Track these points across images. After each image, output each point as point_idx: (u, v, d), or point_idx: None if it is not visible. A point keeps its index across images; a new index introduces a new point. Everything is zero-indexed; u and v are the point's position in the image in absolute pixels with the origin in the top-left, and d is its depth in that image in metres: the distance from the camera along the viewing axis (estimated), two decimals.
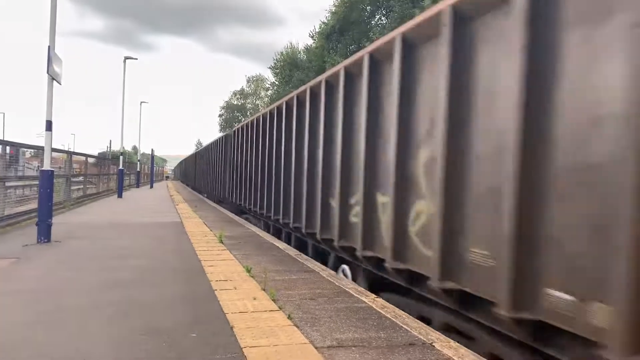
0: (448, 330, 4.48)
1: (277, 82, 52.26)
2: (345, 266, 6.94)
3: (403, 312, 4.74)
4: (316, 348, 3.64)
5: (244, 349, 3.59)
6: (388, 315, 4.55)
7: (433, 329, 4.26)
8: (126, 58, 28.48)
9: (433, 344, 3.79)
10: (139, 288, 5.46)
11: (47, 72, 8.81)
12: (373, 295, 5.36)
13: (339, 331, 4.06)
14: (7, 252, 7.68)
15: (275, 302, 4.87)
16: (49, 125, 8.94)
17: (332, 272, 6.64)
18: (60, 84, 9.26)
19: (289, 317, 4.37)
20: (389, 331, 4.09)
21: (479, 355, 3.65)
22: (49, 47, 8.77)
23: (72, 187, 19.07)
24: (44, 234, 8.67)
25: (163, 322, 4.21)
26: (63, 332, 3.94)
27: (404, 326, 4.23)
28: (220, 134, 23.73)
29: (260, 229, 11.73)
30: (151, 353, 3.51)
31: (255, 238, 9.84)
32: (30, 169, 20.17)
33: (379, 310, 4.73)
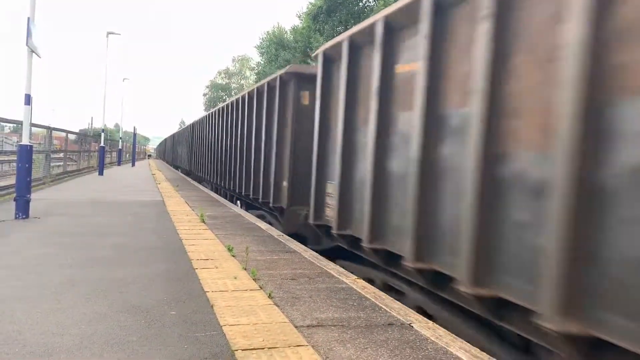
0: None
1: (262, 62, 51.82)
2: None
3: (383, 293, 4.79)
4: (296, 327, 3.66)
5: (223, 327, 3.59)
6: (368, 296, 4.58)
7: (413, 311, 4.31)
8: (109, 33, 27.94)
9: (412, 325, 3.83)
10: (119, 266, 5.42)
11: (27, 45, 8.60)
12: (354, 277, 5.39)
13: (319, 311, 4.08)
14: None
15: (256, 282, 4.87)
16: (27, 99, 8.76)
17: (314, 253, 6.66)
18: (39, 57, 9.05)
19: (270, 297, 4.38)
20: (368, 311, 4.13)
21: (455, 336, 3.70)
22: (28, 18, 8.55)
23: (52, 164, 18.80)
24: (22, 209, 8.54)
25: (142, 300, 4.19)
26: (41, 308, 3.90)
27: (383, 307, 4.27)
28: (198, 116, 24.77)
29: (239, 208, 11.73)
30: (130, 330, 3.50)
31: (237, 218, 9.81)
32: (10, 144, 19.80)
33: (360, 291, 4.77)
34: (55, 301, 4.09)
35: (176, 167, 36.98)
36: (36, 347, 3.14)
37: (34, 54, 8.78)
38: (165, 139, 62.60)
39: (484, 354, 3.38)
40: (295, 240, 7.56)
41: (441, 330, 3.76)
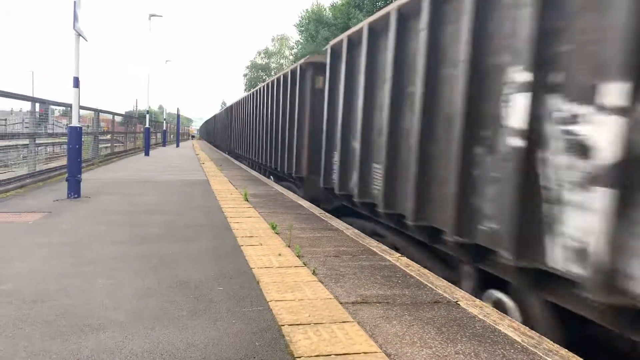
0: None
1: (302, 41, 51.58)
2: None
3: (427, 271, 4.74)
4: (341, 303, 3.67)
5: (269, 303, 3.64)
6: (412, 274, 4.55)
7: (458, 288, 4.26)
8: (151, 15, 28.32)
9: (458, 302, 3.78)
10: (167, 243, 5.56)
11: (73, 28, 8.81)
12: (397, 254, 5.36)
13: (363, 288, 4.08)
14: (39, 206, 7.89)
15: (300, 259, 4.91)
16: (76, 82, 9.00)
17: (357, 230, 6.66)
18: (86, 40, 9.26)
19: (314, 273, 4.40)
20: (413, 289, 4.10)
21: (503, 314, 3.64)
22: (74, 2, 8.74)
23: (100, 145, 19.38)
24: (74, 189, 8.86)
25: (190, 276, 4.29)
26: (94, 283, 4.05)
27: (428, 284, 4.23)
28: (237, 98, 25.51)
29: (279, 186, 11.85)
30: (179, 305, 3.59)
31: (279, 196, 9.90)
32: (60, 127, 20.51)
33: (403, 268, 4.74)
34: (108, 277, 4.24)
35: (217, 147, 37.72)
36: (92, 320, 3.27)
37: (80, 37, 8.99)
38: (207, 120, 64.10)
39: (533, 332, 3.31)
40: (337, 218, 7.58)
41: (489, 309, 3.70)
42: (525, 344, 3.05)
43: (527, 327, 3.40)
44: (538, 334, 3.28)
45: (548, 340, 3.19)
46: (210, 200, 8.98)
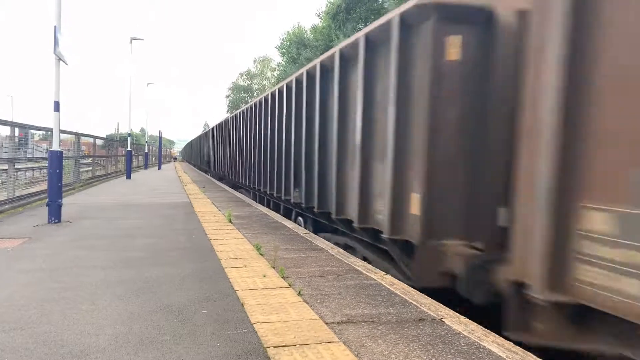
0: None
1: (283, 62, 51.98)
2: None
3: (412, 289, 4.76)
4: (326, 323, 3.66)
5: (254, 325, 3.62)
6: (397, 292, 4.56)
7: (443, 306, 4.28)
8: (132, 39, 28.36)
9: (443, 320, 3.80)
10: (150, 266, 5.51)
11: (54, 53, 8.79)
12: (382, 273, 5.37)
13: (348, 307, 4.08)
14: (19, 232, 7.77)
15: (285, 280, 4.89)
16: (56, 106, 8.96)
17: (341, 250, 6.66)
18: (67, 65, 9.24)
19: (299, 294, 4.39)
20: (398, 307, 4.11)
21: (488, 330, 3.66)
22: (55, 27, 8.73)
23: (81, 169, 19.19)
24: (55, 214, 8.75)
25: (174, 300, 4.25)
26: (77, 309, 3.99)
27: (413, 302, 4.25)
28: (221, 119, 25.47)
29: (265, 207, 11.81)
30: (163, 329, 3.55)
31: (263, 217, 9.87)
32: (39, 151, 20.28)
33: (388, 287, 4.75)
34: (90, 302, 4.18)
35: (204, 171, 37.76)
36: (73, 347, 3.21)
37: (61, 61, 8.97)
38: (190, 142, 63.98)
39: (517, 347, 3.33)
40: (321, 238, 7.58)
41: (473, 325, 3.72)
42: None
43: (512, 343, 3.43)
44: (522, 350, 3.30)
45: (532, 355, 3.21)
46: (194, 223, 8.92)
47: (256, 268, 5.40)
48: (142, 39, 29.18)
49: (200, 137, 45.02)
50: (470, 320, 3.87)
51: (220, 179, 22.70)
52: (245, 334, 3.46)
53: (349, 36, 30.61)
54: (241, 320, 3.73)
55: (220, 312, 3.93)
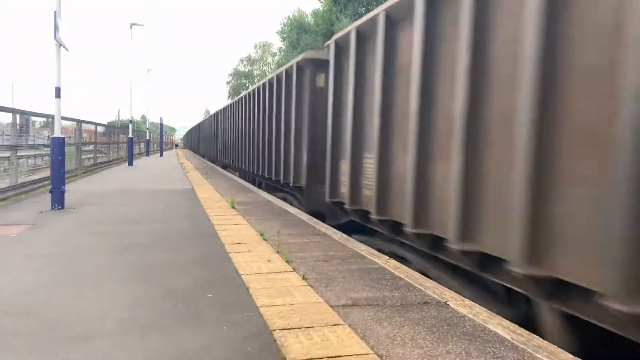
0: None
1: (284, 47, 51.69)
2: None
3: (416, 273, 4.77)
4: (331, 307, 3.67)
5: (260, 308, 3.63)
6: (401, 276, 4.57)
7: (447, 289, 4.28)
8: (132, 24, 28.18)
9: (447, 303, 3.81)
10: (154, 252, 5.52)
11: (54, 39, 8.74)
12: (386, 257, 5.38)
13: (353, 291, 4.09)
14: (23, 218, 7.78)
15: (289, 264, 4.90)
16: (57, 92, 8.92)
17: (345, 235, 6.66)
18: (67, 50, 9.19)
19: (304, 278, 4.40)
20: (403, 290, 4.12)
21: (492, 313, 3.67)
22: (55, 12, 8.67)
23: (83, 156, 19.18)
24: (58, 200, 8.75)
25: (179, 284, 4.26)
26: (81, 294, 4.01)
27: (417, 286, 4.25)
28: (221, 106, 25.51)
29: (262, 190, 11.83)
30: (168, 313, 3.56)
31: (266, 204, 9.87)
32: (41, 138, 20.27)
33: (392, 270, 4.75)
34: (94, 287, 4.19)
35: (202, 156, 37.80)
36: (79, 330, 3.23)
37: (61, 47, 8.92)
38: (191, 129, 63.94)
39: (522, 329, 3.34)
40: (324, 224, 7.58)
41: (478, 308, 3.73)
42: (514, 342, 3.08)
43: (517, 326, 3.44)
44: (527, 332, 3.31)
45: (537, 337, 3.22)
46: (197, 209, 8.93)
47: (260, 253, 5.41)
48: (142, 25, 29.01)
49: (199, 124, 45.11)
50: (474, 303, 3.88)
51: (224, 167, 22.69)
52: (251, 317, 3.47)
53: (351, 21, 30.35)
54: (246, 304, 3.74)
55: (225, 296, 3.93)
